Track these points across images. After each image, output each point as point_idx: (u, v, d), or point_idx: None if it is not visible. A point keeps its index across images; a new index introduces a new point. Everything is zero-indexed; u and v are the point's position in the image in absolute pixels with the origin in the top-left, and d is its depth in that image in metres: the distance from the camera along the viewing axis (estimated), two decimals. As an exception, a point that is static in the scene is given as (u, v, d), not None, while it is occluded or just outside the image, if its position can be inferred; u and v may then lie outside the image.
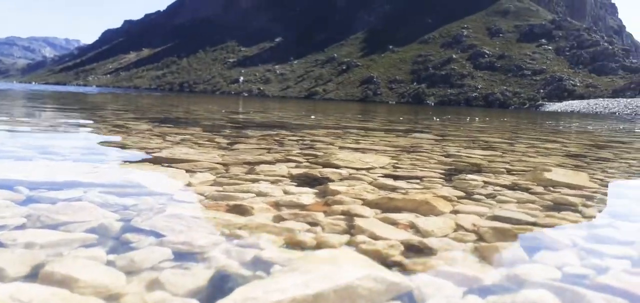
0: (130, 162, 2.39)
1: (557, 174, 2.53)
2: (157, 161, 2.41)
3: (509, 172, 2.64)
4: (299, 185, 1.94)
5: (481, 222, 1.41)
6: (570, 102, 63.73)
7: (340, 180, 2.11)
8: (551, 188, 2.09)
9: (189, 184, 1.86)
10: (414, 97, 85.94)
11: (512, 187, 2.10)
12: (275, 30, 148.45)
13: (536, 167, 2.86)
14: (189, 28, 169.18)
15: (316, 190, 1.83)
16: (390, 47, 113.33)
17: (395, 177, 2.26)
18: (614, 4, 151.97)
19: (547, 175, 2.45)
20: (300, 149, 3.34)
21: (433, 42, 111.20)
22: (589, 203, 1.79)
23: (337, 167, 2.48)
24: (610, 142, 5.76)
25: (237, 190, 1.78)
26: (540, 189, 2.07)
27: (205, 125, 5.29)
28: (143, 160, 2.44)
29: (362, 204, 1.60)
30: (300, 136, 4.32)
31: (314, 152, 3.12)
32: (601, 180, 2.49)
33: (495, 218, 1.47)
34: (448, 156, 3.32)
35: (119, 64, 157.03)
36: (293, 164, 2.53)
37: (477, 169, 2.69)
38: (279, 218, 1.39)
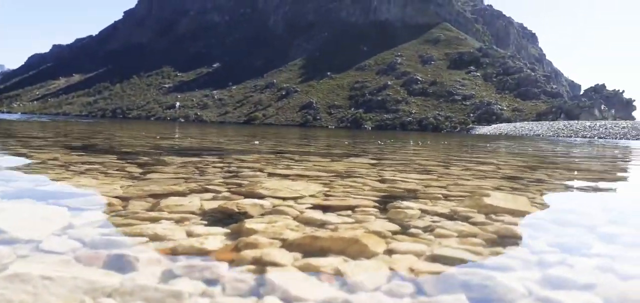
0: (6, 198, 1.98)
1: (497, 199, 2.38)
2: (42, 197, 2.02)
3: (446, 197, 2.46)
4: (208, 224, 1.63)
5: (419, 265, 1.17)
6: (498, 125, 67.11)
7: (261, 214, 1.82)
8: (492, 216, 1.92)
9: (68, 226, 1.50)
10: (352, 121, 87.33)
11: (451, 216, 1.91)
12: (213, 55, 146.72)
13: (474, 192, 2.72)
14: (123, 53, 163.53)
15: (228, 230, 1.53)
16: (328, 73, 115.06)
17: (325, 208, 2.00)
18: (534, 34, 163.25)
19: (486, 200, 2.29)
20: (224, 176, 3.02)
21: (369, 69, 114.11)
22: (535, 233, 1.62)
23: (261, 197, 2.19)
24: (541, 163, 5.85)
25: (128, 233, 1.45)
26: (481, 218, 1.89)
27: (122, 152, 4.83)
28: (23, 196, 2.04)
29: (281, 247, 1.33)
30: (228, 162, 4.00)
31: (238, 181, 2.81)
32: (542, 204, 2.36)
33: (435, 258, 1.24)
34: (383, 181, 3.12)
35: (47, 90, 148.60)
36: (209, 195, 2.22)
37: (413, 195, 2.49)
38: (168, 276, 1.08)
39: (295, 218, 1.77)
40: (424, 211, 2.00)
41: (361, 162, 4.68)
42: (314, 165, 4.13)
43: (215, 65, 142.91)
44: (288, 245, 1.33)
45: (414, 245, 1.38)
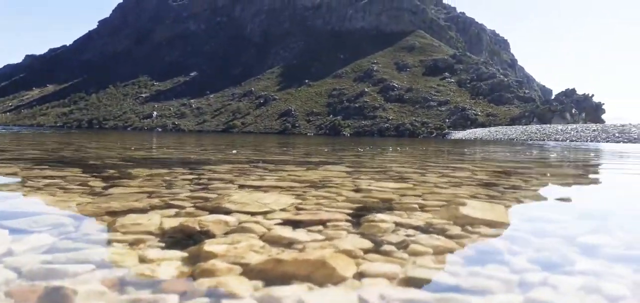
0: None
1: (473, 208, 2.30)
2: (-14, 218, 1.85)
3: (422, 208, 2.37)
4: (165, 246, 1.50)
5: (392, 292, 1.07)
6: (473, 130, 68.06)
7: (225, 233, 1.70)
8: (469, 228, 1.84)
9: (6, 253, 1.35)
10: (331, 128, 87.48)
11: (427, 229, 1.82)
12: (190, 64, 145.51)
13: (450, 201, 2.64)
14: (98, 63, 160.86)
15: (186, 254, 1.40)
16: (306, 81, 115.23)
17: (295, 224, 1.89)
18: (506, 40, 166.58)
19: (462, 210, 2.21)
20: (192, 189, 2.89)
21: (346, 76, 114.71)
22: (514, 247, 1.53)
23: (228, 212, 2.07)
24: (516, 168, 5.85)
25: (74, 259, 1.31)
26: (457, 230, 1.80)
27: (89, 165, 4.63)
28: (-35, 219, 1.87)
29: (241, 273, 1.21)
30: (198, 174, 3.85)
31: (206, 194, 2.68)
32: (519, 213, 2.30)
33: (409, 282, 1.14)
34: (358, 190, 3.03)
35: (20, 101, 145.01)
36: (172, 212, 2.08)
37: (388, 207, 2.40)
38: (108, 311, 0.95)
39: (261, 236, 1.66)
40: (398, 224, 1.91)
41: (337, 171, 4.58)
42: (289, 174, 4.02)
43: (192, 74, 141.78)
44: (249, 272, 1.21)
45: (386, 266, 1.28)
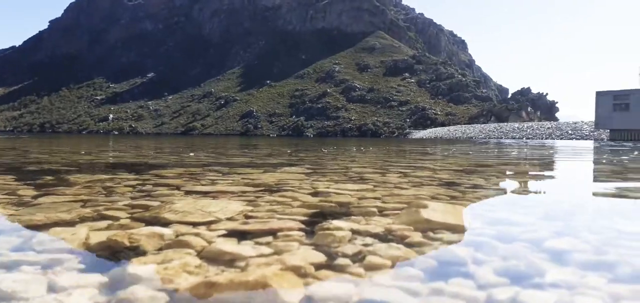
0: None
1: (435, 211, 2.18)
2: None
3: (381, 211, 2.23)
4: (85, 269, 1.29)
5: (342, 320, 0.91)
6: (433, 129, 69.32)
7: (159, 249, 1.50)
8: (431, 234, 1.70)
9: None
10: (294, 129, 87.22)
11: (386, 237, 1.67)
12: (147, 65, 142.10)
13: (410, 203, 2.52)
14: (50, 65, 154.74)
15: (105, 279, 1.20)
16: (268, 82, 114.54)
17: (242, 235, 1.71)
18: (464, 41, 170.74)
19: (423, 213, 2.09)
20: (133, 197, 2.65)
21: (308, 77, 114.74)
22: (479, 256, 1.40)
23: (166, 223, 1.87)
24: (477, 166, 5.84)
25: (-36, 289, 1.08)
26: (418, 237, 1.67)
27: (26, 171, 4.28)
28: None
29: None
30: (144, 179, 3.60)
31: (148, 202, 2.46)
32: (482, 214, 2.19)
33: (363, 306, 0.98)
34: (315, 194, 2.87)
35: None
36: (103, 224, 1.86)
37: (346, 211, 2.25)
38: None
39: (199, 252, 1.46)
40: (355, 232, 1.75)
41: (296, 172, 4.41)
42: (243, 178, 3.81)
43: (149, 75, 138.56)
44: (176, 301, 1.02)
45: (338, 286, 1.11)
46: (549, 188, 3.55)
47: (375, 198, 2.72)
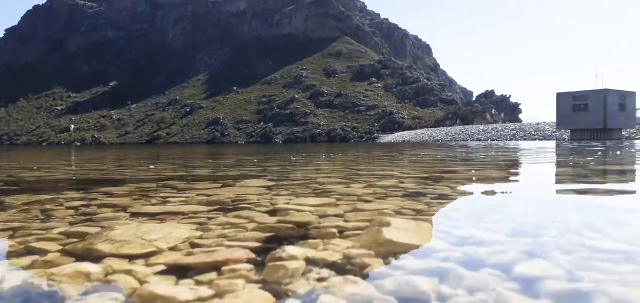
0: None
1: (398, 230, 2.04)
2: None
3: (341, 232, 2.08)
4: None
5: None
6: (401, 133, 70.02)
7: (82, 293, 1.30)
8: (393, 261, 1.56)
9: None
10: (262, 136, 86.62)
11: (343, 268, 1.51)
12: (109, 73, 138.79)
13: (373, 219, 2.37)
14: (6, 74, 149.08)
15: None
16: (234, 88, 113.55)
17: (182, 271, 1.52)
18: (428, 45, 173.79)
19: (386, 233, 1.94)
20: (71, 222, 2.41)
21: (275, 82, 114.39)
22: (444, 289, 1.26)
23: (98, 257, 1.66)
24: (443, 172, 5.77)
25: None
26: (379, 265, 1.51)
27: (-39, 195, 3.93)
28: None
29: None
30: (91, 198, 3.34)
31: (86, 228, 2.23)
32: (447, 232, 2.06)
33: None
34: (273, 212, 2.69)
35: None
36: (28, 260, 1.64)
37: (304, 234, 2.08)
38: None
39: (129, 296, 1.27)
40: (310, 261, 1.59)
41: (256, 186, 4.21)
42: (198, 194, 3.59)
43: (111, 84, 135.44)
44: None
45: (279, 344, 0.94)
46: (515, 196, 3.47)
47: (336, 215, 2.56)
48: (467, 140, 44.88)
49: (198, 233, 2.12)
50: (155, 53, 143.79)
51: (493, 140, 40.96)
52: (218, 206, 2.99)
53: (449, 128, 62.48)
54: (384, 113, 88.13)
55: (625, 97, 36.29)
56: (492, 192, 3.63)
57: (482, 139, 44.90)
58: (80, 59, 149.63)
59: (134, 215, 2.68)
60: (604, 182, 4.56)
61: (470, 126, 60.14)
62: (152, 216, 2.62)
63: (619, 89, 36.23)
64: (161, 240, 1.93)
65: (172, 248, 1.83)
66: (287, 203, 3.06)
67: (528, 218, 2.33)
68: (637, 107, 37.46)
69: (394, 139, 62.83)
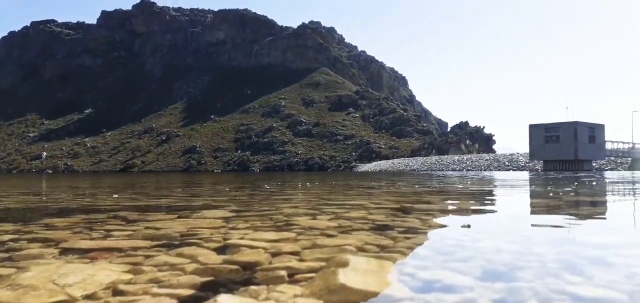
0: None
1: (356, 272, 1.80)
2: None
3: (291, 276, 1.82)
4: None
5: None
6: (378, 162, 70.20)
7: None
8: (343, 313, 1.30)
9: None
10: (239, 164, 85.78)
11: (281, 323, 1.25)
12: (85, 100, 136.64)
13: (332, 258, 2.12)
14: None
15: None
16: (212, 116, 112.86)
17: (85, 325, 1.24)
18: (404, 77, 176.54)
19: (341, 277, 1.70)
20: (-16, 265, 2.09)
21: (253, 111, 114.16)
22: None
23: (-10, 311, 1.37)
24: (415, 202, 5.57)
25: None
26: (325, 319, 1.26)
27: None
28: None
29: None
30: (26, 231, 3.00)
31: (2, 270, 1.92)
32: (411, 274, 1.82)
33: None
34: (222, 249, 2.42)
35: None
36: None
37: (248, 278, 1.82)
38: None
39: None
40: (245, 314, 1.32)
41: (214, 217, 3.91)
42: (147, 227, 3.29)
43: (87, 111, 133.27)
44: None
45: None
46: (488, 230, 3.27)
47: (292, 253, 2.30)
48: (443, 170, 45.15)
49: (127, 277, 1.83)
50: (132, 81, 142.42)
51: (468, 170, 41.27)
52: (164, 241, 2.71)
53: (425, 158, 62.92)
54: (362, 142, 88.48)
55: (594, 130, 37.11)
56: (465, 226, 3.42)
57: (458, 169, 45.24)
58: (56, 86, 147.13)
59: (65, 251, 2.37)
60: (579, 214, 4.41)
61: (446, 156, 60.67)
62: (84, 253, 2.32)
63: (588, 122, 37.08)
64: (77, 286, 1.64)
65: (89, 297, 1.55)
66: (242, 238, 2.79)
67: (502, 257, 2.11)
68: (605, 139, 38.32)
69: (372, 168, 62.93)
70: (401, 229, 3.14)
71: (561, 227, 3.39)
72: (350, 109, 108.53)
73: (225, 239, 2.76)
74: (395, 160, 67.40)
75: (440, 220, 3.78)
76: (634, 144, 39.87)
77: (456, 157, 55.95)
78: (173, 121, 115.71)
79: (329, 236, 2.86)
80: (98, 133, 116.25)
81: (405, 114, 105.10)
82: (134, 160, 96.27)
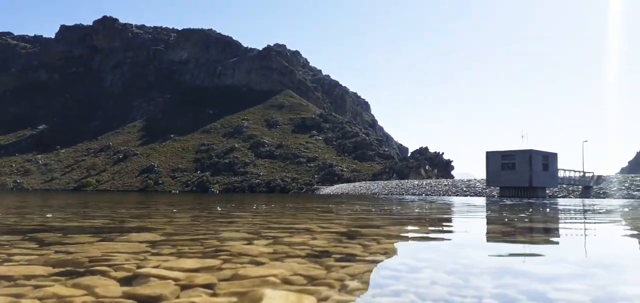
0: None
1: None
2: None
3: (190, 314, 1.55)
4: None
5: None
6: (340, 185, 70.22)
7: None
8: None
9: None
10: (198, 185, 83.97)
11: None
12: (39, 116, 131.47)
13: (248, 293, 1.87)
14: None
15: None
16: (172, 135, 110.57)
17: None
18: (367, 102, 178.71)
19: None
20: None
21: (215, 131, 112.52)
22: None
23: None
24: (364, 226, 5.36)
25: None
26: None
27: None
28: None
29: None
30: None
31: None
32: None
33: None
34: (129, 280, 2.13)
35: None
36: None
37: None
38: None
39: None
40: None
41: (139, 241, 3.58)
42: (57, 251, 2.94)
43: (40, 127, 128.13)
44: None
45: None
46: (428, 258, 3.08)
47: (206, 285, 2.03)
48: (403, 194, 45.51)
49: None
50: (91, 98, 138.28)
51: (427, 194, 41.71)
52: (68, 268, 2.38)
53: (386, 182, 63.40)
54: (324, 165, 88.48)
55: (548, 158, 38.29)
56: (407, 252, 3.22)
57: (417, 193, 45.72)
58: (9, 100, 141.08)
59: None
60: (529, 241, 4.31)
61: (406, 180, 61.32)
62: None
63: (542, 150, 38.24)
64: None
65: None
66: (157, 266, 2.49)
67: (435, 291, 1.90)
68: (558, 167, 39.58)
69: (334, 190, 62.86)
70: (339, 256, 2.91)
71: (507, 255, 3.25)
72: (314, 132, 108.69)
73: (138, 267, 2.45)
74: (357, 184, 67.63)
75: (384, 245, 3.58)
76: (584, 172, 41.34)
77: (416, 182, 56.62)
78: (131, 139, 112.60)
79: (258, 264, 2.60)
80: (51, 150, 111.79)
81: (367, 138, 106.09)
82: (89, 179, 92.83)
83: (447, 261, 2.80)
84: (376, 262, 2.75)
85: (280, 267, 2.50)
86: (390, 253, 3.15)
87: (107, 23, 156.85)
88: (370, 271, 2.46)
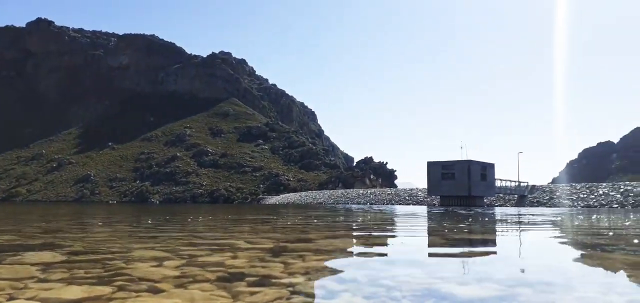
0: None
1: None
2: None
3: None
4: None
5: None
6: (286, 194, 69.76)
7: None
8: None
9: None
10: (137, 195, 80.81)
11: None
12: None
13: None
14: None
15: None
16: (110, 144, 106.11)
17: None
18: (314, 112, 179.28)
19: None
20: None
21: (156, 140, 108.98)
22: None
23: None
24: (296, 240, 5.10)
25: None
26: None
27: None
28: None
29: None
30: None
31: None
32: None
33: None
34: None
35: None
36: None
37: None
38: None
39: None
40: None
41: (32, 263, 3.13)
42: None
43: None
44: None
45: None
46: (352, 280, 2.85)
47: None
48: (348, 203, 45.76)
49: None
50: (23, 103, 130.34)
51: (372, 203, 42.13)
52: None
53: (332, 191, 63.59)
54: (270, 174, 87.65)
55: (486, 168, 39.68)
56: (328, 272, 2.97)
57: (362, 202, 46.10)
58: None
59: None
60: (457, 255, 4.20)
61: (351, 190, 61.78)
62: None
63: (480, 160, 39.60)
64: None
65: None
66: (33, 297, 2.11)
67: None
68: (495, 177, 41.11)
69: (280, 200, 62.34)
70: (253, 280, 2.63)
71: (434, 275, 3.08)
72: (260, 141, 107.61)
73: (9, 299, 2.07)
74: (303, 193, 67.42)
75: (309, 264, 3.33)
76: (519, 182, 43.17)
77: (361, 191, 57.14)
78: (66, 147, 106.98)
79: (155, 293, 2.27)
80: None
81: (313, 147, 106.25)
82: (18, 189, 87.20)
83: (369, 283, 2.58)
84: (292, 285, 2.49)
85: (181, 296, 2.18)
86: (311, 273, 2.90)
87: (41, 25, 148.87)
88: (282, 298, 2.19)
